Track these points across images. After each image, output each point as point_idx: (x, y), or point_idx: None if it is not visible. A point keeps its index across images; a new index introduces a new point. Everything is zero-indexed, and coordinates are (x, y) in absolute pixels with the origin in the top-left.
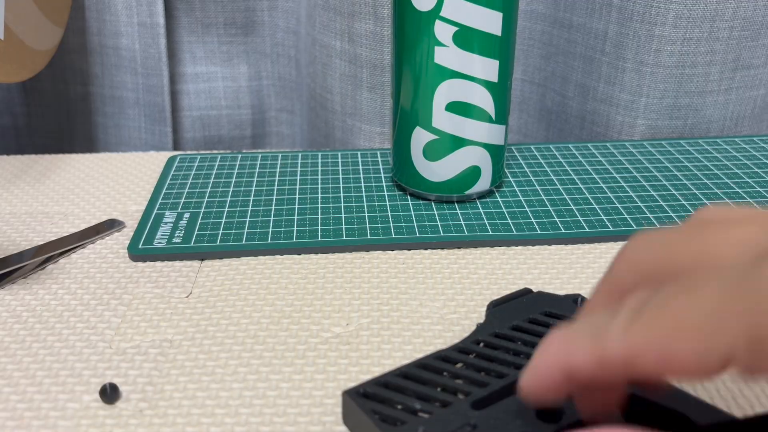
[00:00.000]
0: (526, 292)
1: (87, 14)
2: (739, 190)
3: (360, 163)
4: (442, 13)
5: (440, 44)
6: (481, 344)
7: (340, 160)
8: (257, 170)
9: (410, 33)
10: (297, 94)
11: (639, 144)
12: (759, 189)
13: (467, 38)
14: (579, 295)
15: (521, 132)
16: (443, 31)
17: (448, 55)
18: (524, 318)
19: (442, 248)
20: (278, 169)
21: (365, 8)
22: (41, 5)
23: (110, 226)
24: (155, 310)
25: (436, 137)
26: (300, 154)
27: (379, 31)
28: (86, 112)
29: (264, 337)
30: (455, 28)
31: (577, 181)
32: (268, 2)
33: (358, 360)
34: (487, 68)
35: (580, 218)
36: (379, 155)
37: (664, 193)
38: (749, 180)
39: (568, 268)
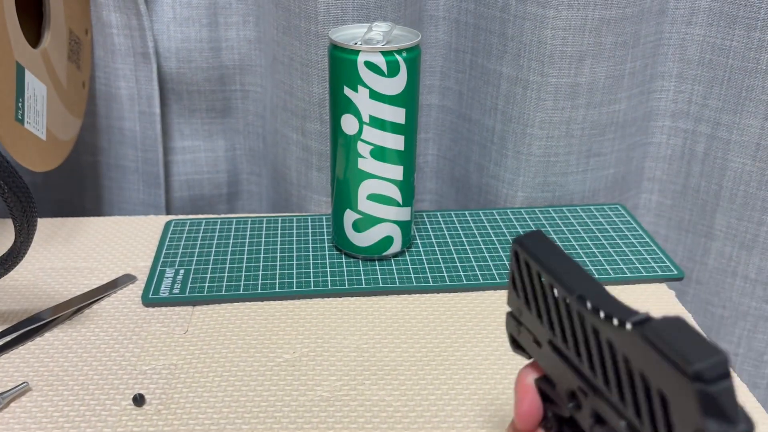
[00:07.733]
0: None
1: (98, 102)
2: (581, 251)
3: (310, 227)
4: (362, 137)
5: (361, 156)
6: None
7: (295, 224)
8: (232, 233)
9: (342, 147)
10: (264, 161)
11: (517, 211)
12: (594, 250)
13: (380, 152)
14: None
15: (438, 193)
16: (363, 148)
17: (367, 163)
18: None
19: (364, 296)
20: (248, 232)
21: (313, 114)
22: (65, 102)
23: (127, 279)
24: (163, 343)
25: (360, 216)
26: (265, 219)
27: (323, 130)
28: (94, 176)
29: (238, 361)
30: (371, 146)
31: (465, 243)
32: (241, 93)
33: (299, 377)
34: (395, 171)
35: (461, 273)
36: (324, 220)
37: None
38: (589, 242)
39: (449, 312)
